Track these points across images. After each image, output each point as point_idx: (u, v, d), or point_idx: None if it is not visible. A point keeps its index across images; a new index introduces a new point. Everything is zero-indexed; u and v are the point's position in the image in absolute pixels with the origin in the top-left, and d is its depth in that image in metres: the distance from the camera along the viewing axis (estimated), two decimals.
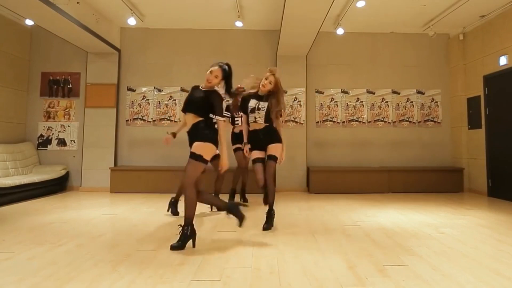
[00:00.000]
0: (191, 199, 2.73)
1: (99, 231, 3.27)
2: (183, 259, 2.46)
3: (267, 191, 3.31)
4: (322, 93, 6.43)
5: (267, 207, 3.37)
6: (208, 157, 2.80)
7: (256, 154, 3.38)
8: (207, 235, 3.13)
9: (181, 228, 2.73)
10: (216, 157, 3.70)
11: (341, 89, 6.45)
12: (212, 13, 5.70)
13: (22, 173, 5.52)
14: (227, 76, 2.95)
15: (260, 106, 3.32)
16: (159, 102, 6.32)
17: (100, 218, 3.86)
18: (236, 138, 4.61)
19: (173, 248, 2.67)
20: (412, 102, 6.47)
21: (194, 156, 2.75)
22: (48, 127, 6.20)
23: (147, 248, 2.73)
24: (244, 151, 3.53)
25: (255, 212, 4.09)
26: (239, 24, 5.87)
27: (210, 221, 3.69)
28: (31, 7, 4.32)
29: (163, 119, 6.29)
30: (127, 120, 6.29)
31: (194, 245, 2.74)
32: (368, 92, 6.47)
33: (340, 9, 5.41)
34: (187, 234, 2.71)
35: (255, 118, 3.33)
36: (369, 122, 6.45)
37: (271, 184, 3.31)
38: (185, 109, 2.91)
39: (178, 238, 2.71)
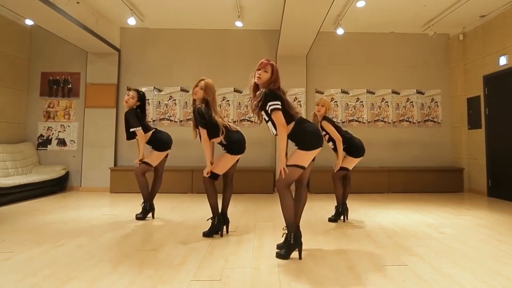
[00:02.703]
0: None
1: (99, 231, 3.27)
2: (183, 259, 2.46)
3: None
4: (322, 93, 6.43)
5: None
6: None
7: None
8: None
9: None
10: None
11: (341, 89, 6.44)
12: (212, 13, 5.70)
13: (22, 173, 5.52)
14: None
15: None
16: (159, 102, 6.32)
17: (100, 218, 3.86)
18: None
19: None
20: (412, 102, 6.47)
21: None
22: (48, 127, 6.20)
23: (147, 248, 2.73)
24: None
25: (255, 215, 4.10)
26: (239, 24, 5.87)
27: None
28: (31, 7, 4.32)
29: (163, 119, 6.29)
30: None
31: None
32: (368, 92, 6.47)
33: (340, 9, 5.41)
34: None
35: None
36: (369, 122, 6.45)
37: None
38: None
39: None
